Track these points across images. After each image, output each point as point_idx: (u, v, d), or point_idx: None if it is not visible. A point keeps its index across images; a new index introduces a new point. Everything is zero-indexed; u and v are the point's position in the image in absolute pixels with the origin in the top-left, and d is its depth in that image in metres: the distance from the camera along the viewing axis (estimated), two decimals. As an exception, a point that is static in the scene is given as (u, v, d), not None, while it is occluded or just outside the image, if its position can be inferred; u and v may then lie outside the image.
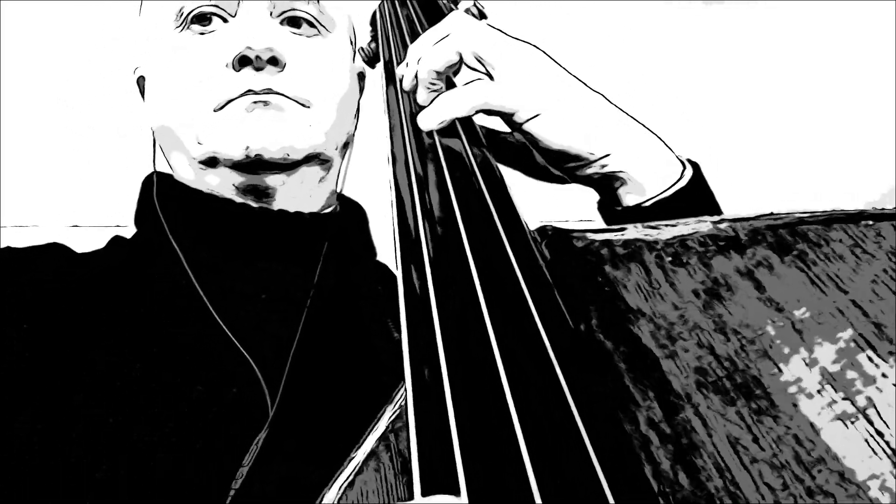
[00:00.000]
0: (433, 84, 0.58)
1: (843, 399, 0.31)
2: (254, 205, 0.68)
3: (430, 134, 0.50)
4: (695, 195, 0.58)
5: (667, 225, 0.40)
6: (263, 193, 0.69)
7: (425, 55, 0.58)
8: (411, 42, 0.60)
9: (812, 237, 0.36)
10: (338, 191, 0.76)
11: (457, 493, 0.28)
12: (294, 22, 0.71)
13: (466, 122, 0.52)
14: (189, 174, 0.71)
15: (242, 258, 0.67)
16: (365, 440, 0.42)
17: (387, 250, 0.79)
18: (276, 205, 0.70)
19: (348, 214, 0.75)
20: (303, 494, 0.51)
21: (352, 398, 0.59)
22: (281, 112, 0.66)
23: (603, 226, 0.42)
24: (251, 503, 0.52)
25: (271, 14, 0.70)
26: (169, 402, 0.57)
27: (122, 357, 0.59)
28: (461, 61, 0.58)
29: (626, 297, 0.39)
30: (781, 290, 0.35)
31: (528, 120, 0.57)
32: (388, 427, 0.42)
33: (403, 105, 0.53)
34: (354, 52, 0.78)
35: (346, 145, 0.74)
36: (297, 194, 0.70)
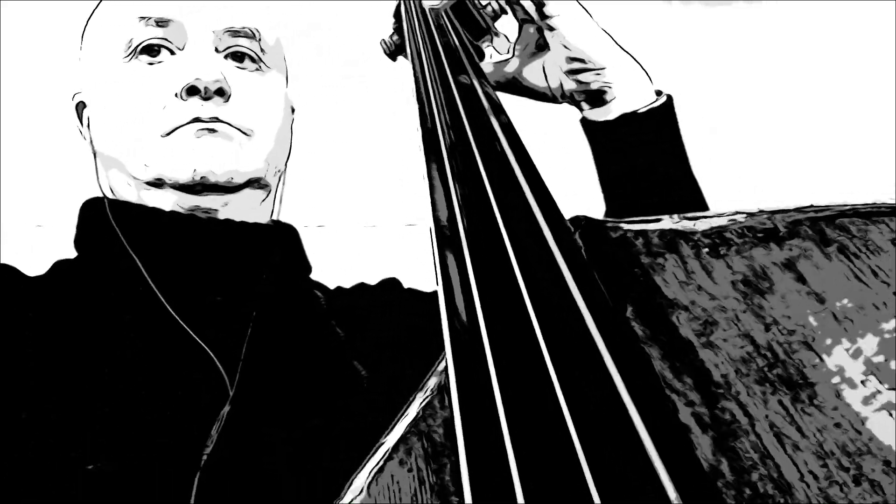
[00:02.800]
0: None
1: (889, 389, 0.32)
2: (201, 216, 0.73)
3: (460, 128, 0.50)
4: (664, 119, 0.72)
5: (704, 216, 0.40)
6: (206, 212, 0.74)
7: None
8: (438, 37, 0.61)
9: (853, 230, 0.36)
10: (275, 217, 0.82)
11: (510, 488, 0.28)
12: (237, 57, 0.76)
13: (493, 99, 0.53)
14: (130, 194, 0.75)
15: (196, 263, 0.72)
16: (395, 425, 0.42)
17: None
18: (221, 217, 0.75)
19: (286, 230, 0.81)
20: (263, 452, 0.62)
21: (301, 377, 0.68)
22: (227, 139, 0.72)
23: (638, 217, 0.43)
24: (222, 464, 0.60)
25: (217, 49, 0.75)
26: (139, 395, 0.64)
27: (96, 361, 0.65)
28: None
29: (663, 288, 0.39)
30: (823, 282, 0.35)
31: (554, 15, 0.71)
32: (418, 413, 0.41)
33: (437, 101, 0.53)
34: (287, 83, 0.85)
35: (280, 173, 0.80)
36: (239, 214, 0.75)
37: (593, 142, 0.74)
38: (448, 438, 0.38)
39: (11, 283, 0.72)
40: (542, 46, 0.76)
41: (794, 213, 0.38)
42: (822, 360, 0.34)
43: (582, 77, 0.73)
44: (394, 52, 0.77)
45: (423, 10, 0.69)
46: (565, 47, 0.72)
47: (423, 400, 0.42)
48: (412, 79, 0.58)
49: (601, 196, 0.75)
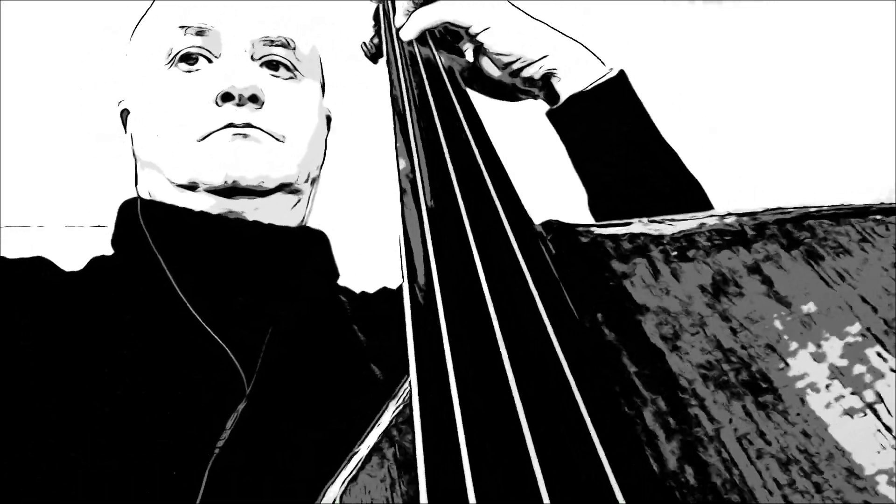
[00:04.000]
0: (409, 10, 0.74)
1: (852, 394, 0.31)
2: (230, 217, 0.75)
3: (433, 129, 0.50)
4: (616, 90, 0.74)
5: (672, 220, 0.40)
6: (237, 216, 0.76)
7: None
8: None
9: (819, 232, 0.36)
10: (305, 223, 0.83)
11: (463, 491, 0.28)
12: (272, 65, 0.79)
13: (467, 104, 0.53)
14: (167, 196, 0.77)
15: (221, 262, 0.74)
16: (368, 435, 0.42)
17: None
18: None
19: (315, 235, 0.83)
20: (277, 448, 0.63)
21: (319, 380, 0.69)
22: (258, 144, 0.73)
23: (607, 221, 0.42)
24: (233, 458, 0.61)
25: (252, 57, 0.78)
26: (160, 390, 0.65)
27: (120, 357, 0.66)
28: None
29: (632, 292, 0.39)
30: (789, 285, 0.35)
31: (480, 32, 0.73)
32: (391, 422, 0.41)
33: (410, 103, 0.53)
34: (323, 93, 0.87)
35: (314, 180, 0.83)
36: (270, 218, 0.77)
37: (558, 130, 0.76)
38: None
39: (48, 277, 0.73)
40: (479, 61, 0.80)
41: (761, 216, 0.38)
42: (787, 364, 0.33)
43: (526, 72, 0.76)
44: (374, 54, 0.77)
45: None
46: (499, 53, 0.75)
47: (396, 409, 0.42)
48: (386, 81, 0.58)
49: (576, 195, 0.76)
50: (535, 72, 0.76)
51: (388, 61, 0.63)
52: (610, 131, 0.73)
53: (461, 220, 0.42)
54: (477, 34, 0.74)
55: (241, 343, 0.68)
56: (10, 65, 1.72)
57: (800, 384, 0.32)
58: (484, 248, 0.39)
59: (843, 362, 0.32)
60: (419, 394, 0.33)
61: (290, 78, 0.79)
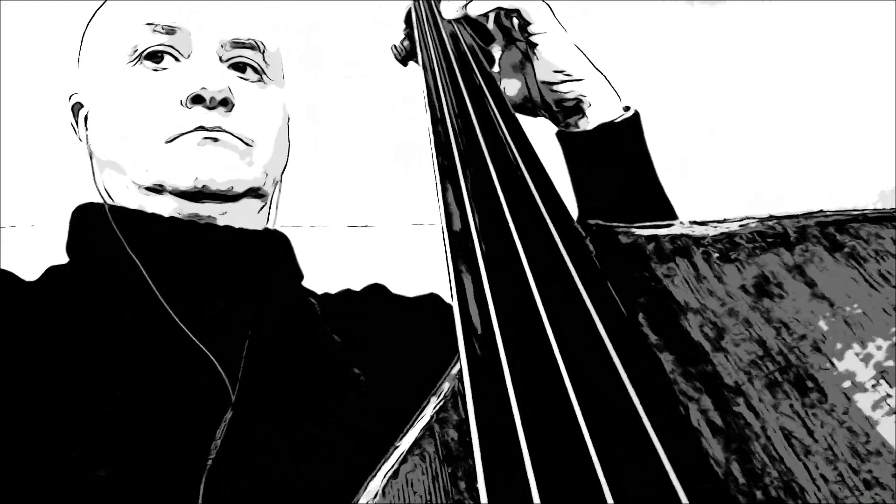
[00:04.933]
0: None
1: (899, 393, 0.32)
2: (200, 222, 0.74)
3: (471, 129, 0.51)
4: (635, 130, 0.76)
5: (714, 222, 0.41)
6: (204, 220, 0.74)
7: None
8: (450, 43, 0.62)
9: (863, 234, 0.36)
10: (269, 226, 0.83)
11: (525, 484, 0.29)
12: (240, 67, 0.77)
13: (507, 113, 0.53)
14: (128, 198, 0.76)
15: (195, 268, 0.73)
16: (409, 430, 0.42)
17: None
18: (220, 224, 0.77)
19: (279, 238, 0.82)
20: (266, 455, 0.64)
21: (303, 384, 0.70)
22: (229, 148, 0.73)
23: (649, 222, 0.43)
24: (227, 468, 0.61)
25: (221, 58, 0.76)
26: (141, 397, 0.65)
27: (96, 366, 0.66)
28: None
29: (674, 292, 0.39)
30: (833, 287, 0.36)
31: (538, 33, 0.76)
32: (432, 417, 0.42)
33: (451, 110, 0.54)
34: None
35: (277, 183, 0.82)
36: (237, 222, 0.76)
37: (570, 152, 0.78)
38: (461, 443, 0.39)
39: (9, 289, 0.73)
40: (523, 63, 0.81)
41: (803, 219, 0.39)
42: (832, 364, 0.34)
43: (561, 88, 0.78)
44: (405, 57, 0.78)
45: (434, 16, 0.70)
46: (548, 61, 0.77)
47: (437, 404, 0.43)
48: (423, 85, 0.58)
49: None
50: (570, 90, 0.78)
51: (423, 66, 0.64)
52: (622, 167, 0.75)
53: (505, 221, 0.42)
54: (535, 34, 0.76)
55: (217, 349, 0.68)
56: (11, 65, 1.72)
57: (846, 384, 0.33)
58: (529, 248, 0.40)
59: (890, 363, 0.33)
60: (472, 390, 0.33)
61: (258, 80, 0.78)
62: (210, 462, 0.61)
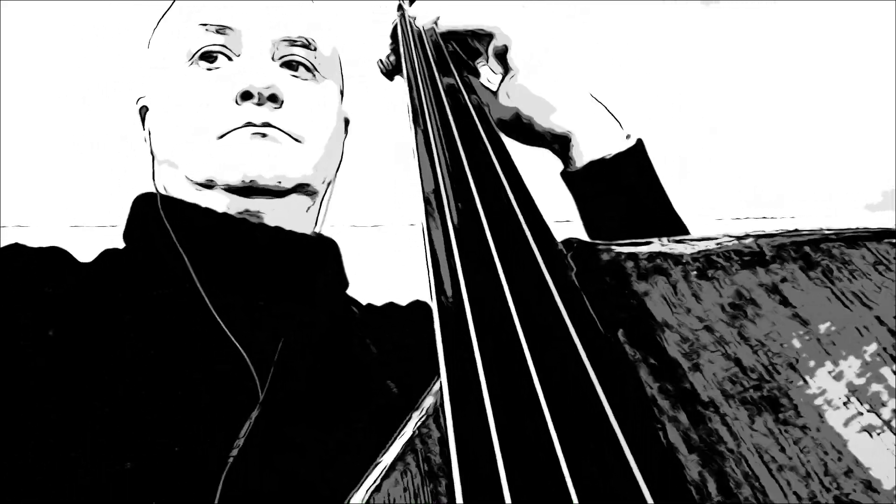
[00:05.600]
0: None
1: (869, 411, 0.32)
2: (252, 220, 0.75)
3: (452, 143, 0.51)
4: (634, 161, 0.73)
5: (691, 239, 0.41)
6: (254, 216, 0.75)
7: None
8: (434, 57, 0.63)
9: (836, 254, 0.37)
10: (319, 224, 0.84)
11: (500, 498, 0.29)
12: (292, 66, 0.79)
13: (492, 133, 0.54)
14: (184, 193, 0.77)
15: (242, 266, 0.74)
16: (391, 445, 0.43)
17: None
18: (268, 221, 0.77)
19: (329, 244, 0.83)
20: (289, 456, 0.63)
21: (334, 392, 0.69)
22: (276, 144, 0.73)
23: (628, 240, 0.44)
24: (248, 466, 0.60)
25: (272, 57, 0.78)
26: (171, 391, 0.64)
27: (130, 355, 0.66)
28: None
29: (653, 310, 0.40)
30: (807, 305, 0.36)
31: (512, 71, 0.73)
32: (414, 432, 0.42)
33: (433, 126, 0.55)
34: (342, 96, 0.87)
35: (330, 183, 0.83)
36: (285, 218, 0.77)
37: (570, 188, 0.76)
38: (443, 458, 0.39)
39: (64, 266, 0.73)
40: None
41: (779, 237, 0.39)
42: (805, 381, 0.35)
43: (543, 124, 0.75)
44: (391, 71, 0.78)
45: (419, 31, 0.70)
46: (524, 98, 0.75)
47: (419, 420, 0.43)
48: (407, 99, 0.59)
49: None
50: (551, 128, 0.75)
51: (407, 78, 0.64)
52: (625, 202, 0.73)
53: (484, 236, 0.43)
54: (509, 70, 0.74)
55: (251, 348, 0.68)
56: (11, 65, 1.72)
57: (818, 401, 0.34)
58: (509, 264, 0.40)
59: (861, 381, 0.33)
60: (451, 405, 0.34)
61: (310, 78, 0.79)
62: (231, 459, 0.61)
